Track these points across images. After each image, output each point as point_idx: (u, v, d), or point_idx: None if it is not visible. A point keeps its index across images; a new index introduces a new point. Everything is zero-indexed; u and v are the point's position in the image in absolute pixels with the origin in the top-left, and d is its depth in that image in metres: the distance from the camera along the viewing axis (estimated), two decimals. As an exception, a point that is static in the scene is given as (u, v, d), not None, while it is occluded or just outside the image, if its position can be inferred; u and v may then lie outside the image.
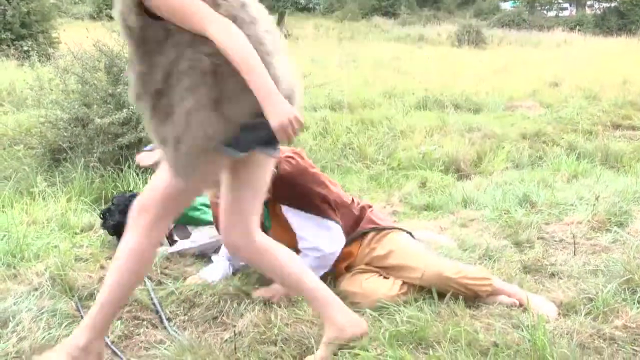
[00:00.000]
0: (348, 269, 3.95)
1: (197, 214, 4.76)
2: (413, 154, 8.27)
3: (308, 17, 42.18)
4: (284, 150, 3.76)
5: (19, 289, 3.77)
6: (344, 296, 3.66)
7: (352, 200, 4.08)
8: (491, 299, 3.80)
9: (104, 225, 4.76)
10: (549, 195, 6.06)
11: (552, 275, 4.31)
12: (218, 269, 4.20)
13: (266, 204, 3.69)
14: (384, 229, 4.02)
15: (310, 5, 38.08)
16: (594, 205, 5.47)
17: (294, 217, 3.83)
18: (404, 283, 3.81)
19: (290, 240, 3.74)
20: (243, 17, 2.75)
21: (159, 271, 4.30)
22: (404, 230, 4.11)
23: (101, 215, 4.78)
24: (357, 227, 3.98)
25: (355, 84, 13.81)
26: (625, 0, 49.25)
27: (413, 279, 3.75)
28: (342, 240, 3.87)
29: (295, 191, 3.77)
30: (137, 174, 6.49)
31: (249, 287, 3.96)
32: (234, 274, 4.18)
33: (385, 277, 3.90)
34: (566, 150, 9.18)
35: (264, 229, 3.65)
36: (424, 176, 7.32)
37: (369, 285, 3.83)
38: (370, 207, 4.18)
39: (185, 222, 4.74)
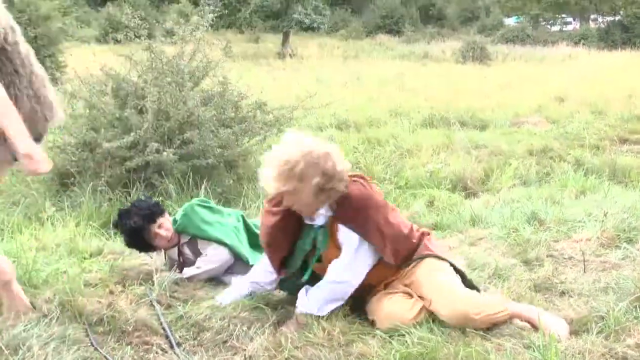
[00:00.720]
0: (386, 286, 3.92)
1: (206, 228, 4.71)
2: (420, 172, 8.25)
3: (312, 37, 42.24)
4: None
5: (29, 316, 3.76)
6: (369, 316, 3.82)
7: (412, 227, 4.01)
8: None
9: (119, 225, 4.69)
10: (557, 212, 6.03)
11: (563, 293, 4.29)
12: (232, 292, 4.19)
13: (324, 225, 3.74)
14: (435, 256, 3.95)
15: (315, 25, 38.08)
16: (603, 221, 5.45)
17: (346, 239, 3.74)
18: (423, 307, 3.79)
19: None
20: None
21: (167, 294, 4.29)
22: (446, 261, 3.99)
23: (119, 215, 4.72)
24: (414, 253, 3.92)
25: (360, 103, 13.83)
26: (629, 14, 49.24)
27: (438, 312, 3.69)
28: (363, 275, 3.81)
29: (358, 214, 3.67)
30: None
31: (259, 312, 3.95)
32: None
33: (409, 296, 3.87)
34: (573, 166, 9.15)
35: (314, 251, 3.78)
36: (432, 195, 7.30)
37: (390, 306, 3.79)
38: (428, 234, 4.14)
39: (194, 234, 4.72)
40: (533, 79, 20.33)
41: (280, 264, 3.97)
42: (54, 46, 20.36)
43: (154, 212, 4.64)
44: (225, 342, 3.65)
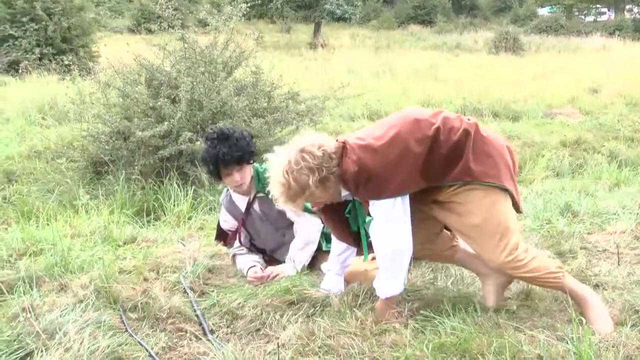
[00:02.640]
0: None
1: None
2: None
3: (344, 27, 42.16)
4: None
5: (65, 301, 3.81)
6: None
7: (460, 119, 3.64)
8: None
9: (211, 138, 4.51)
10: (591, 204, 5.99)
11: (596, 286, 4.25)
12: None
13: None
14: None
15: (347, 16, 38.01)
16: (638, 214, 5.41)
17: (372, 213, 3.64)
18: None
19: None
20: None
21: (201, 282, 4.34)
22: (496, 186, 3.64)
23: (221, 131, 4.54)
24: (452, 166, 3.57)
25: (392, 93, 13.79)
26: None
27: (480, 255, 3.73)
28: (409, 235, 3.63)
29: (364, 188, 3.54)
30: (178, 186, 6.54)
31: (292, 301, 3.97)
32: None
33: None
34: (607, 158, 9.07)
35: None
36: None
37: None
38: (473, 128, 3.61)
39: None
40: (566, 70, 20.11)
41: (355, 241, 3.96)
42: (87, 36, 20.53)
43: (243, 157, 4.50)
44: (258, 330, 3.67)
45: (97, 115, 7.21)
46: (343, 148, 3.57)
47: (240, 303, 3.93)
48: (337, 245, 4.12)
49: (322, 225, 4.58)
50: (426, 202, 3.68)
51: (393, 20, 48.38)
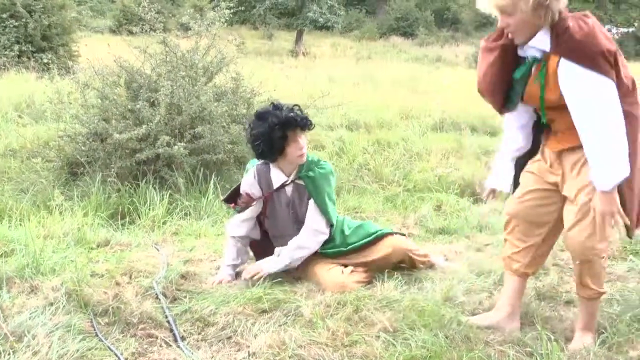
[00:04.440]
0: None
1: (327, 201, 4.62)
2: (429, 176, 8.24)
3: (326, 36, 42.24)
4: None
5: (35, 303, 3.79)
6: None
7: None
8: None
9: (266, 114, 4.49)
10: (565, 221, 6.03)
11: (567, 302, 4.30)
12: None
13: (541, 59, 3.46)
14: None
15: (329, 24, 38.07)
16: (610, 232, 5.45)
17: (567, 74, 3.34)
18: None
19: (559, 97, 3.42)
20: None
21: (174, 288, 4.33)
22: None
23: (273, 106, 4.57)
24: None
25: (372, 104, 13.82)
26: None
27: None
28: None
29: (581, 45, 3.28)
30: (155, 189, 6.51)
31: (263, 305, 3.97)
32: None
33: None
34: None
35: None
36: (440, 199, 7.29)
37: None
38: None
39: (313, 194, 4.60)
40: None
41: (502, 106, 3.77)
42: (68, 35, 20.37)
43: (308, 120, 4.55)
44: (229, 337, 3.67)
45: (74, 116, 7.17)
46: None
47: (212, 310, 3.93)
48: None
49: (328, 234, 4.60)
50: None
51: (375, 31, 48.48)
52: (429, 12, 51.84)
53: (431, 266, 4.87)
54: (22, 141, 8.49)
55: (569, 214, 3.53)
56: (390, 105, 13.69)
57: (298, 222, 4.62)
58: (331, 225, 4.63)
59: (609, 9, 51.49)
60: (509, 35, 3.45)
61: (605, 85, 3.25)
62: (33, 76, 15.86)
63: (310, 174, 4.56)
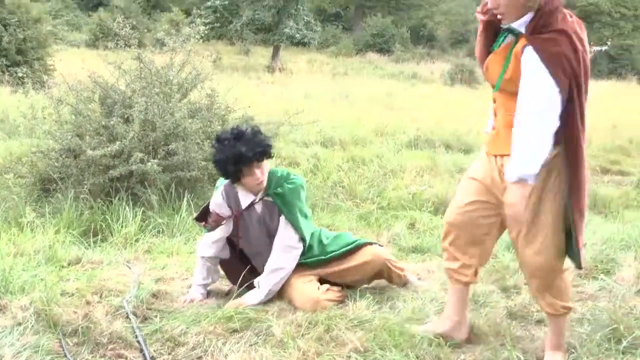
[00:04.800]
0: None
1: (299, 216, 4.56)
2: (403, 193, 8.26)
3: (302, 52, 42.38)
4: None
5: (3, 323, 3.74)
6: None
7: None
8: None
9: (224, 140, 4.36)
10: (537, 240, 6.05)
11: (539, 322, 4.30)
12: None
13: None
14: None
15: (305, 40, 38.22)
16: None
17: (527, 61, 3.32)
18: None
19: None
20: None
21: (144, 307, 4.29)
22: None
23: (232, 132, 4.40)
24: None
25: (347, 121, 13.86)
26: (615, 44, 49.88)
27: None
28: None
29: (549, 39, 3.27)
30: (128, 206, 6.47)
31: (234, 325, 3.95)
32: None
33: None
34: (555, 194, 9.18)
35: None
36: (413, 217, 7.30)
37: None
38: None
39: (284, 211, 4.53)
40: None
41: None
42: (43, 49, 20.32)
43: (264, 153, 4.40)
44: (199, 358, 3.64)
45: (47, 132, 7.11)
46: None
47: (182, 329, 3.90)
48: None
49: (301, 248, 4.56)
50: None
51: (351, 47, 48.72)
52: (405, 28, 52.20)
53: (405, 284, 4.87)
54: (-6, 157, 8.41)
55: (522, 230, 3.52)
56: (365, 122, 13.76)
57: (271, 237, 4.57)
58: (303, 240, 4.59)
59: (582, 27, 51.91)
60: (498, 17, 3.43)
61: (551, 88, 3.24)
62: (7, 90, 15.76)
63: (279, 190, 4.50)
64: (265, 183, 4.49)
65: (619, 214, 8.19)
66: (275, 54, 37.93)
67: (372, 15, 54.29)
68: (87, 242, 5.86)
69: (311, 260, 4.63)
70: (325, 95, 19.92)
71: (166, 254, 5.70)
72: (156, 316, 4.17)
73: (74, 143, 6.84)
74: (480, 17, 3.59)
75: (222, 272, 4.81)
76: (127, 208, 6.43)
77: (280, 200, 4.50)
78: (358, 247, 4.71)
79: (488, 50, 3.60)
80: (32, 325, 3.73)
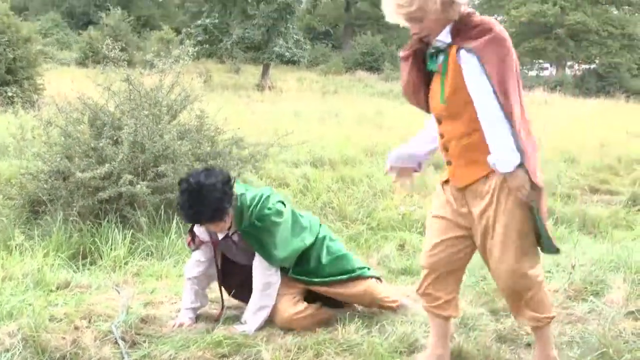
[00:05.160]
0: None
1: (270, 249, 4.47)
2: (392, 214, 8.26)
3: (292, 70, 42.42)
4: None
5: (-11, 350, 3.72)
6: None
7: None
8: None
9: (198, 191, 4.19)
10: (527, 261, 6.05)
11: (528, 345, 4.30)
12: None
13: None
14: None
15: (295, 59, 38.27)
16: (571, 274, 5.49)
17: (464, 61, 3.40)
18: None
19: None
20: None
21: (133, 332, 4.27)
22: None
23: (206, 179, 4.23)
24: None
25: (337, 140, 13.87)
26: (603, 63, 50.22)
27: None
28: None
29: (480, 36, 3.36)
30: (117, 228, 6.45)
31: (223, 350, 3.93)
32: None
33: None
34: (545, 215, 9.19)
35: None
36: (403, 237, 7.31)
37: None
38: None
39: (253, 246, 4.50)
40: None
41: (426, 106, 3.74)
42: (33, 68, 20.29)
43: (215, 216, 4.28)
44: (188, 383, 3.63)
45: (37, 154, 7.09)
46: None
47: (171, 355, 3.89)
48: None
49: (278, 280, 4.52)
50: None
51: (341, 66, 48.78)
52: (394, 47, 52.26)
53: (399, 306, 4.87)
54: (-17, 179, 8.38)
55: (493, 249, 3.55)
56: (355, 142, 13.76)
57: (253, 254, 4.54)
58: (282, 268, 4.55)
59: (570, 46, 52.31)
60: (424, 39, 3.52)
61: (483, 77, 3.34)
62: (-3, 110, 15.71)
63: (247, 229, 4.42)
64: (229, 224, 4.44)
65: (608, 233, 8.20)
66: (265, 72, 37.96)
67: (362, 34, 54.47)
68: (76, 265, 5.84)
69: (302, 278, 4.62)
70: (315, 114, 19.93)
71: (155, 277, 5.68)
72: (145, 341, 4.15)
73: (63, 165, 6.83)
74: (405, 53, 3.65)
75: (211, 296, 4.79)
76: (116, 230, 6.42)
77: (250, 238, 4.46)
78: (353, 279, 4.68)
79: (423, 79, 3.66)
80: (20, 352, 3.71)
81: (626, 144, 15.81)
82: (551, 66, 59.82)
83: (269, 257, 4.44)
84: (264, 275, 4.46)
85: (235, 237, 4.55)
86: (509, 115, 3.32)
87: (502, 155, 3.34)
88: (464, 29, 3.40)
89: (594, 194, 11.19)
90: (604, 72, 49.09)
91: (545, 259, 6.16)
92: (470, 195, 3.57)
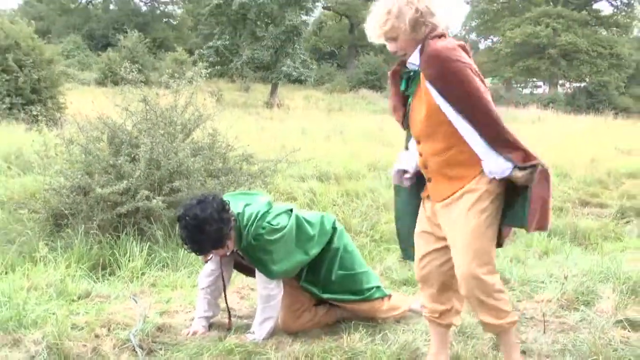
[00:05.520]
0: None
1: (269, 265, 4.40)
2: (394, 227, 8.25)
3: (299, 88, 42.48)
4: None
5: (17, 357, 3.76)
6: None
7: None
8: None
9: (200, 221, 4.16)
10: (521, 272, 6.07)
11: (523, 352, 4.28)
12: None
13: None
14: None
15: (302, 78, 38.35)
16: (563, 284, 5.49)
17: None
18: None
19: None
20: None
21: (150, 340, 4.28)
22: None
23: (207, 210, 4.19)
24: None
25: (342, 156, 13.89)
26: (593, 81, 50.29)
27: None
28: None
29: (440, 65, 3.37)
30: (135, 240, 6.48)
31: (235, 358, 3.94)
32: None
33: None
34: (538, 227, 9.19)
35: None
36: (405, 249, 7.30)
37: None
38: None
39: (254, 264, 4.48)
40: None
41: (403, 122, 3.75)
42: (55, 88, 20.43)
43: (216, 244, 4.26)
44: (202, 390, 3.64)
45: (59, 171, 7.13)
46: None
47: (188, 363, 3.90)
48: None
49: (280, 292, 4.48)
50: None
51: (345, 84, 48.89)
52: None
53: (410, 311, 4.92)
54: (10, 193, 8.42)
55: (454, 255, 3.56)
56: (359, 157, 13.76)
57: None
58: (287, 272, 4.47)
59: (562, 65, 52.35)
60: (403, 57, 3.56)
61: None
62: (22, 127, 15.80)
63: (245, 247, 4.37)
64: (232, 247, 4.40)
65: (598, 245, 8.21)
66: (273, 91, 38.08)
67: (365, 54, 54.57)
68: (95, 276, 5.87)
69: (311, 289, 4.60)
70: (321, 131, 19.95)
71: (170, 287, 5.69)
72: (161, 349, 4.17)
73: (84, 181, 6.87)
74: (389, 73, 3.71)
75: (222, 306, 4.79)
76: (133, 242, 6.44)
77: (249, 256, 4.43)
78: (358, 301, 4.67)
79: (401, 97, 3.68)
80: (45, 359, 3.72)
81: (615, 159, 15.80)
82: (544, 84, 59.86)
83: (267, 273, 4.39)
84: (265, 289, 4.43)
85: (240, 252, 4.54)
86: (484, 126, 3.36)
87: (491, 165, 3.37)
88: (423, 53, 3.41)
89: (584, 206, 11.20)
90: (594, 89, 49.23)
91: (538, 269, 6.21)
92: (442, 206, 3.58)
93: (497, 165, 3.37)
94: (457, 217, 3.47)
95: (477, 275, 3.46)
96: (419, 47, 3.45)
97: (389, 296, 4.89)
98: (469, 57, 3.43)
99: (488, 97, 3.41)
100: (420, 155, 3.64)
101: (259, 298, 4.48)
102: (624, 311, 4.94)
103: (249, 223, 4.35)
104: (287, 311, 4.52)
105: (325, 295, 4.60)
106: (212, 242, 4.20)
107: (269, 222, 4.37)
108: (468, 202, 3.44)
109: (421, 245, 3.75)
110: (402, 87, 3.63)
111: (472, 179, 3.45)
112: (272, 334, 4.43)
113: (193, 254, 4.55)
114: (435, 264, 3.71)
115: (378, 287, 4.81)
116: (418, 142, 3.64)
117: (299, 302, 4.59)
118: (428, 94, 3.42)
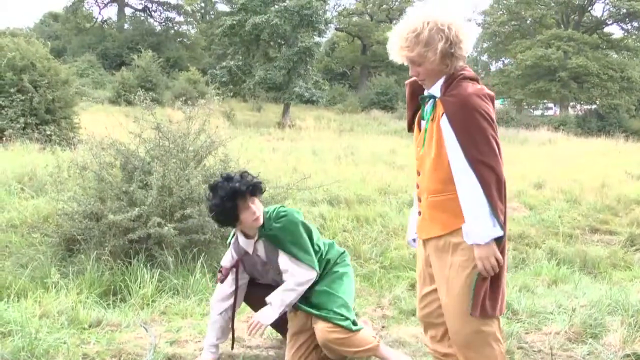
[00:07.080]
0: None
1: (297, 251, 4.42)
2: (404, 253, 8.27)
3: (311, 109, 42.58)
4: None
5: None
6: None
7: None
8: None
9: (215, 187, 4.36)
10: (530, 302, 6.05)
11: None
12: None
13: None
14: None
15: (314, 98, 38.44)
16: (571, 316, 5.48)
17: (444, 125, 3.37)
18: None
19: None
20: None
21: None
22: None
23: (222, 177, 4.40)
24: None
25: (352, 180, 13.90)
26: (604, 104, 50.21)
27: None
28: None
29: (460, 108, 3.31)
30: (146, 267, 6.51)
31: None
32: None
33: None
34: (547, 255, 9.19)
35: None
36: (414, 277, 7.26)
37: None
38: None
39: (283, 250, 4.44)
40: (514, 163, 20.26)
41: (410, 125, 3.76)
42: (70, 108, 20.56)
43: (255, 187, 4.36)
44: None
45: (72, 197, 7.17)
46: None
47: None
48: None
49: (314, 276, 4.42)
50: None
51: (357, 105, 48.97)
52: (407, 87, 52.44)
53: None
54: (23, 216, 8.47)
55: (445, 307, 3.51)
56: (369, 181, 13.77)
57: (281, 273, 4.46)
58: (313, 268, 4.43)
59: (573, 87, 52.30)
60: (420, 82, 3.54)
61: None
62: (36, 147, 15.91)
63: (270, 232, 4.41)
64: (262, 219, 4.40)
65: (607, 274, 8.19)
66: (285, 111, 38.20)
67: (377, 75, 54.83)
68: (106, 303, 5.89)
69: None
70: (332, 152, 19.98)
71: (180, 315, 5.71)
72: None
73: (97, 207, 6.92)
74: (407, 81, 3.71)
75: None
76: (144, 269, 6.47)
77: (274, 240, 4.42)
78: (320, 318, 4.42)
79: (412, 107, 3.70)
80: (55, 392, 3.75)
81: (625, 184, 15.73)
82: (555, 106, 59.83)
83: (296, 255, 4.39)
84: (296, 274, 4.37)
85: (260, 251, 4.48)
86: (487, 185, 3.25)
87: (476, 227, 3.28)
88: (449, 88, 3.38)
89: (594, 233, 11.17)
90: (604, 112, 49.17)
91: (547, 298, 6.20)
92: (431, 249, 3.53)
93: (484, 229, 3.27)
94: (450, 269, 3.41)
95: (472, 330, 3.44)
96: (444, 78, 3.42)
97: (356, 332, 4.49)
98: (493, 107, 3.39)
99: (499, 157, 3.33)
100: (417, 187, 3.62)
101: (289, 279, 4.40)
102: (631, 345, 4.92)
103: (271, 213, 4.47)
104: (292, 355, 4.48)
105: (303, 306, 4.45)
106: (246, 186, 4.28)
107: (287, 209, 4.56)
108: (462, 258, 3.39)
109: (420, 284, 3.72)
110: (421, 111, 3.59)
111: (458, 229, 3.37)
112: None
113: (221, 223, 4.54)
114: (435, 306, 3.63)
115: (347, 318, 4.46)
116: (418, 174, 3.60)
117: (299, 351, 4.51)
118: (439, 130, 3.37)
